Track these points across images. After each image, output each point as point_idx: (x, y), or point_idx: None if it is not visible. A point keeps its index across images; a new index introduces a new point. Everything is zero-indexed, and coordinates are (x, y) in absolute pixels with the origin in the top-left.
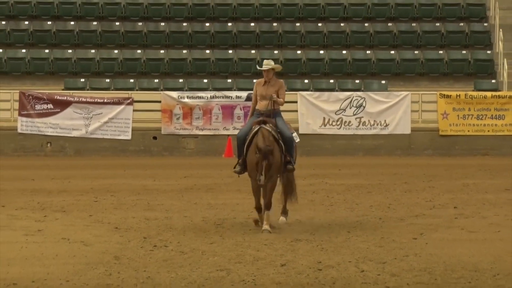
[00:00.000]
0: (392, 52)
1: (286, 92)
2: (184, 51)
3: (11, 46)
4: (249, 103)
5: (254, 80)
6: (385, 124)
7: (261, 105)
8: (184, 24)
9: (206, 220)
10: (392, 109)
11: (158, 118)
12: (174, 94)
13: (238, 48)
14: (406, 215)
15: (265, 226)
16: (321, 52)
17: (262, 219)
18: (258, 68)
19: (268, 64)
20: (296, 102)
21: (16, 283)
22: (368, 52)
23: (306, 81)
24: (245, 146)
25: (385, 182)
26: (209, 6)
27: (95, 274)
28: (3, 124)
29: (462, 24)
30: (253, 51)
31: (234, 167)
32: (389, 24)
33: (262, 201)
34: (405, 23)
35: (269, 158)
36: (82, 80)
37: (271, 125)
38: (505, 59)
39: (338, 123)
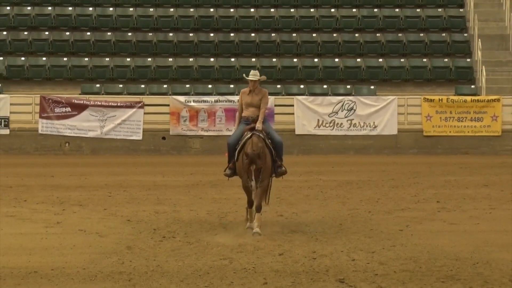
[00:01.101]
0: (380, 60)
1: (284, 97)
2: (191, 59)
3: (32, 54)
4: None
5: None
6: (374, 126)
7: (248, 112)
8: (191, 34)
9: (210, 213)
10: (380, 112)
11: (166, 120)
12: (182, 98)
13: (239, 57)
14: (393, 209)
15: (256, 229)
16: (315, 60)
17: (252, 214)
18: (245, 77)
19: (255, 75)
20: (292, 105)
21: (37, 271)
22: (358, 60)
23: (301, 86)
24: (237, 151)
25: (374, 178)
26: (213, 18)
27: (109, 262)
28: (25, 125)
29: (444, 34)
30: (253, 59)
31: (224, 170)
32: (377, 34)
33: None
34: (391, 33)
35: (257, 163)
36: (98, 85)
37: (263, 132)
38: (483, 66)
39: (331, 124)
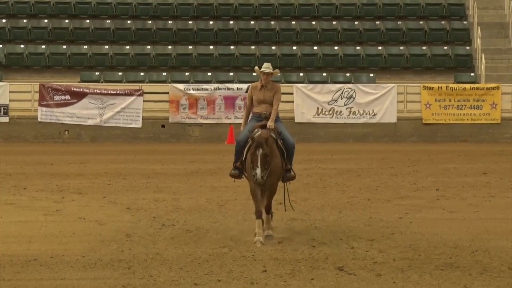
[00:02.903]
0: (380, 48)
1: (283, 85)
2: (190, 47)
3: (31, 42)
4: None
5: (254, 74)
6: (373, 114)
7: (260, 108)
8: (190, 22)
9: (210, 201)
10: (380, 100)
11: (166, 108)
12: (181, 86)
13: (239, 44)
14: (392, 197)
15: (268, 231)
16: (315, 48)
17: (259, 228)
18: (257, 69)
19: (268, 67)
20: (292, 93)
21: (36, 259)
22: (357, 48)
23: (301, 74)
24: (246, 149)
25: (373, 166)
26: (213, 5)
27: (108, 250)
28: (24, 113)
29: (443, 22)
30: (252, 47)
31: (231, 171)
32: (377, 22)
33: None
34: (391, 21)
35: (264, 147)
36: (97, 73)
37: (274, 131)
38: (482, 54)
39: (330, 112)
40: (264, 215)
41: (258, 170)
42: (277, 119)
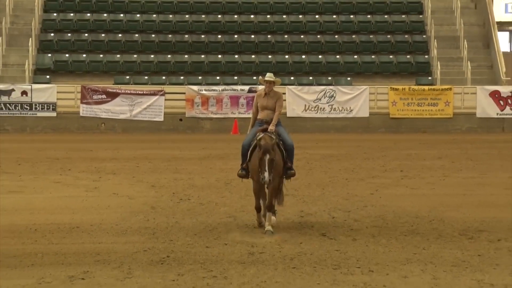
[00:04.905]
0: (355, 56)
1: (278, 86)
2: (202, 56)
3: (75, 52)
4: (251, 94)
5: (254, 77)
6: (350, 110)
7: (263, 114)
8: (202, 36)
9: (218, 180)
10: (355, 99)
11: (183, 105)
12: (195, 87)
13: (242, 54)
14: (366, 176)
15: (268, 227)
16: (303, 56)
17: (260, 218)
18: (261, 79)
19: (270, 77)
20: (284, 93)
21: (79, 227)
22: (337, 56)
23: (292, 78)
24: (249, 151)
25: (350, 152)
26: (221, 22)
27: (137, 220)
28: (69, 109)
29: (406, 36)
30: (253, 56)
31: (238, 171)
32: (353, 36)
33: (261, 202)
34: (364, 35)
35: (271, 153)
36: (127, 77)
37: (275, 134)
38: (438, 62)
39: (316, 109)
40: (265, 213)
41: (266, 174)
42: (278, 124)
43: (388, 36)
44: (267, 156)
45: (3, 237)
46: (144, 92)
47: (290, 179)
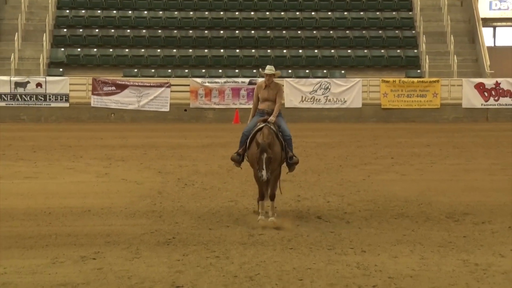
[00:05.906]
0: (349, 51)
1: (276, 79)
2: (206, 50)
3: (86, 46)
4: (251, 86)
5: (254, 70)
6: (344, 101)
7: (264, 105)
8: (206, 31)
9: (221, 167)
10: (349, 90)
11: (187, 96)
12: (199, 80)
13: (243, 48)
14: (358, 163)
15: (271, 218)
16: (300, 51)
17: (263, 206)
18: (261, 71)
19: (270, 69)
20: (283, 85)
21: (90, 210)
22: (332, 51)
23: (289, 71)
24: (249, 139)
25: (344, 140)
26: (223, 19)
27: (144, 203)
28: (81, 100)
29: (397, 31)
30: (253, 51)
31: (233, 154)
32: (347, 31)
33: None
34: (358, 31)
35: (268, 152)
36: (135, 70)
37: (275, 124)
38: (427, 56)
39: (312, 100)
40: (269, 202)
41: (264, 172)
42: (278, 114)
43: (380, 31)
44: (265, 155)
45: (20, 219)
46: (151, 84)
47: (294, 167)
